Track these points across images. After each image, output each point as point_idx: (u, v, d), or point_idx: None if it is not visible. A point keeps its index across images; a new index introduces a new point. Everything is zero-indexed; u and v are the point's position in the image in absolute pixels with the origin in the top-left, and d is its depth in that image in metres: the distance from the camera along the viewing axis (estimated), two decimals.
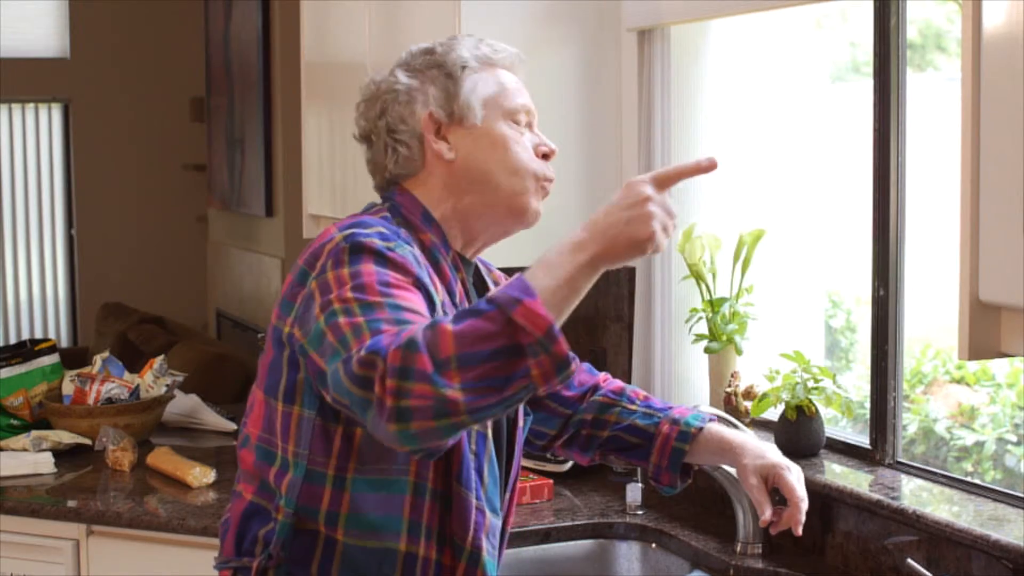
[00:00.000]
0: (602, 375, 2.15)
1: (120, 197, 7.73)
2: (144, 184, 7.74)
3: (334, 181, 3.73)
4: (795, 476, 1.96)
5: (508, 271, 2.01)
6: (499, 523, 1.96)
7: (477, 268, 2.01)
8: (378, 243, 1.73)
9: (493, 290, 1.68)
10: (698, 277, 2.89)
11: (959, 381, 3.08)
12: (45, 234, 7.86)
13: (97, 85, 7.64)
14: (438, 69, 1.92)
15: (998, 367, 2.91)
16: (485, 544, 1.89)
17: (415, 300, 1.68)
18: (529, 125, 1.94)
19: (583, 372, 2.15)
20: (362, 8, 3.45)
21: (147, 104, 7.67)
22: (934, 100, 2.87)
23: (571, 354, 1.54)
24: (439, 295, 1.80)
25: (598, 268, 1.60)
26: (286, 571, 1.83)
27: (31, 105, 7.76)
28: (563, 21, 2.99)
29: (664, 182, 1.63)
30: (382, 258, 1.72)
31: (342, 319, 1.64)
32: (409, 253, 1.76)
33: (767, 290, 2.94)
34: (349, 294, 1.66)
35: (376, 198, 2.00)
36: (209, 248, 7.54)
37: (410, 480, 1.82)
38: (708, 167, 1.65)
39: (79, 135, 7.74)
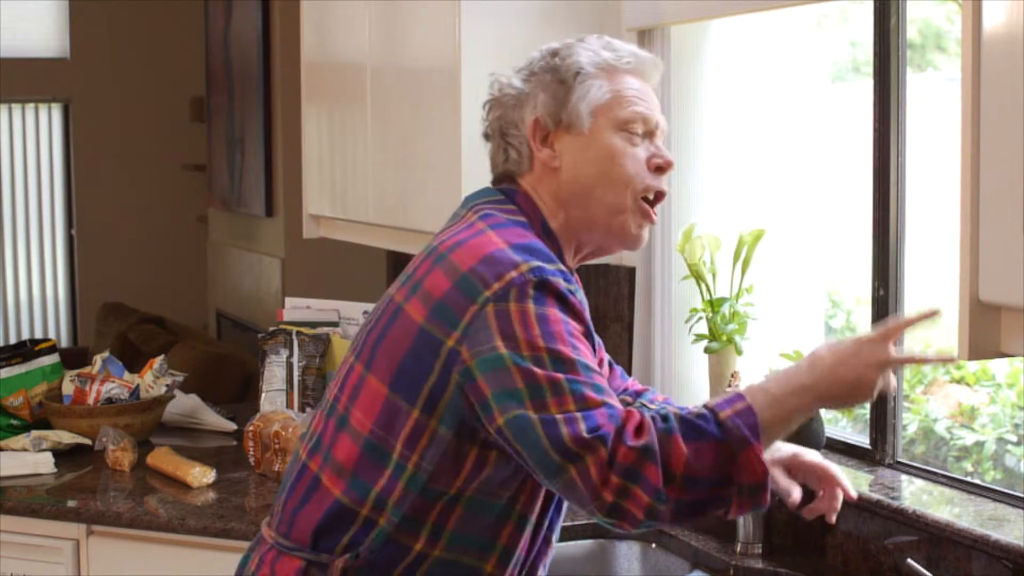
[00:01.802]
0: (631, 379, 2.17)
1: (120, 197, 7.73)
2: (144, 184, 7.73)
3: (334, 181, 3.73)
4: (816, 456, 1.95)
5: None
6: (552, 552, 1.97)
7: None
8: (563, 285, 1.71)
9: (719, 401, 1.67)
10: (698, 277, 2.89)
11: (959, 381, 3.08)
12: (45, 234, 7.86)
13: (97, 85, 7.64)
14: (552, 74, 1.86)
15: (998, 367, 2.91)
16: (541, 572, 1.92)
17: (591, 356, 1.71)
18: (649, 135, 1.86)
19: (617, 377, 2.16)
20: (362, 8, 3.45)
21: (147, 104, 7.67)
22: (934, 100, 2.87)
23: (768, 499, 1.66)
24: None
25: (812, 411, 1.73)
26: (367, 574, 1.78)
27: (31, 105, 7.76)
28: (563, 21, 2.99)
29: (894, 337, 1.70)
30: (565, 303, 1.71)
31: (536, 369, 1.64)
32: (584, 300, 1.77)
33: (767, 290, 2.94)
34: (540, 343, 1.65)
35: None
36: (209, 248, 7.53)
37: (517, 510, 1.81)
38: (933, 315, 1.72)
39: (79, 135, 7.74)
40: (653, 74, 1.91)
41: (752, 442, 1.62)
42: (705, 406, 1.66)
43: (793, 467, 1.93)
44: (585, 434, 1.60)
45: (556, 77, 1.85)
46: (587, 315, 1.75)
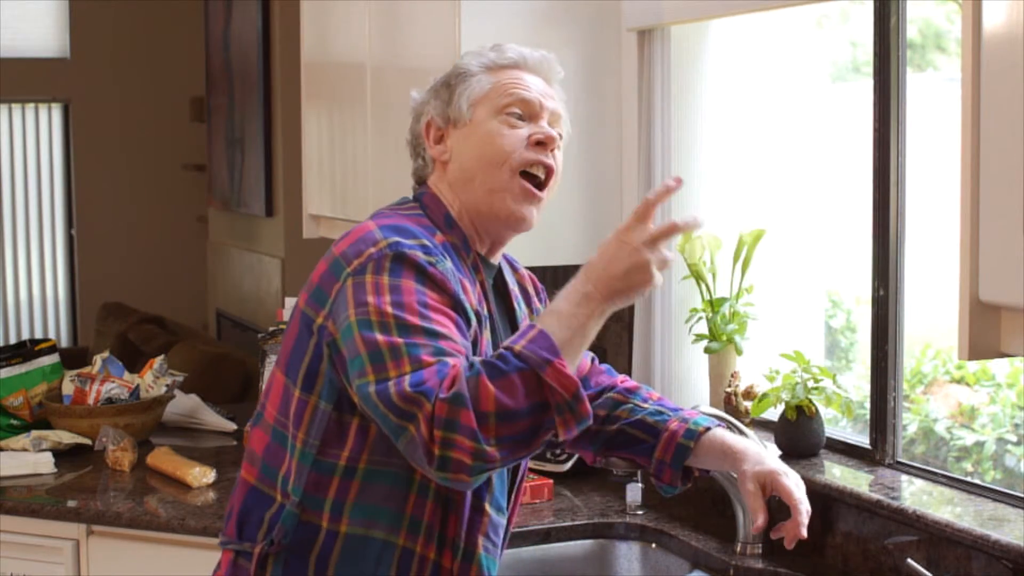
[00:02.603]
0: (620, 377, 2.18)
1: (120, 197, 7.73)
2: (144, 184, 7.74)
3: (334, 181, 3.73)
4: (793, 481, 1.96)
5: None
6: (503, 521, 1.98)
7: (500, 269, 2.03)
8: (421, 257, 1.79)
9: (514, 337, 1.71)
10: (698, 277, 2.89)
11: (959, 381, 3.08)
12: (45, 234, 7.86)
13: (97, 85, 7.64)
14: (443, 82, 1.99)
15: (998, 367, 2.91)
16: (482, 541, 1.92)
17: (449, 326, 1.76)
18: (532, 117, 1.93)
19: (602, 373, 2.19)
20: (362, 8, 3.46)
21: (147, 104, 7.67)
22: (934, 100, 2.87)
23: (588, 410, 1.69)
24: (472, 302, 1.85)
25: (605, 314, 1.74)
26: (284, 560, 1.86)
27: (31, 105, 7.76)
28: (563, 21, 2.99)
29: (646, 217, 1.78)
30: (423, 274, 1.78)
31: (379, 335, 1.71)
32: (449, 270, 1.81)
33: (767, 290, 2.94)
34: (388, 308, 1.73)
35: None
36: (209, 248, 7.53)
37: (415, 478, 1.84)
38: (693, 223, 1.81)
39: (79, 135, 7.75)
40: (545, 69, 1.99)
41: (552, 360, 1.66)
42: (503, 345, 1.71)
43: (768, 484, 1.96)
44: (408, 388, 1.65)
45: (444, 82, 1.98)
46: (451, 284, 1.79)
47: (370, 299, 1.74)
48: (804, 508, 1.95)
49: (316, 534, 1.85)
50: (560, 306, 1.73)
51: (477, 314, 1.85)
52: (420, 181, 2.02)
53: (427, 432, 1.64)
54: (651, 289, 1.76)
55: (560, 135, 1.96)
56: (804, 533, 1.94)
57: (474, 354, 1.83)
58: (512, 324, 2.01)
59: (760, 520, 1.93)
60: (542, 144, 1.92)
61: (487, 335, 1.89)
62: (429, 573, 1.87)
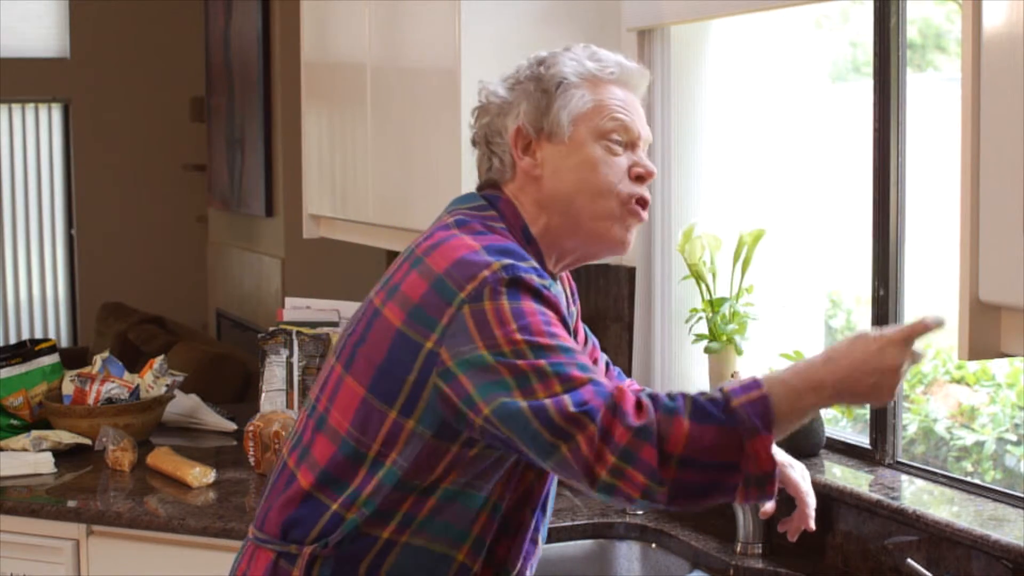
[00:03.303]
0: (628, 380, 2.17)
1: (120, 197, 7.73)
2: (144, 184, 7.74)
3: (334, 181, 3.73)
4: (799, 473, 1.96)
5: None
6: (541, 551, 1.98)
7: None
8: (536, 280, 1.73)
9: (735, 386, 1.63)
10: (698, 277, 2.89)
11: (959, 381, 3.08)
12: (45, 234, 7.86)
13: (97, 85, 7.64)
14: (536, 83, 1.88)
15: (998, 367, 2.91)
16: (528, 573, 1.93)
17: (575, 343, 1.71)
18: (630, 145, 1.88)
19: (615, 379, 2.18)
20: (362, 8, 3.46)
21: (147, 104, 7.67)
22: (934, 100, 2.87)
23: (775, 491, 1.63)
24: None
25: (825, 407, 1.70)
26: (333, 563, 1.81)
27: (31, 105, 7.76)
28: (563, 21, 2.99)
29: (913, 340, 1.66)
30: (539, 297, 1.72)
31: (518, 361, 1.65)
32: (560, 293, 1.77)
33: (767, 290, 2.94)
34: (517, 336, 1.67)
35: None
36: (209, 248, 7.53)
37: (491, 499, 1.82)
38: (941, 324, 1.69)
39: (79, 135, 7.75)
40: (639, 84, 1.92)
41: (762, 432, 1.59)
42: (720, 389, 1.64)
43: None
44: (572, 409, 1.60)
45: (539, 86, 1.87)
46: (563, 309, 1.76)
47: (496, 330, 1.67)
48: (810, 500, 1.94)
49: (373, 543, 1.80)
50: (794, 380, 1.64)
51: (573, 337, 1.82)
52: (491, 183, 1.92)
53: (590, 453, 1.59)
54: (883, 402, 1.70)
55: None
56: (812, 525, 1.93)
57: None
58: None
59: (768, 506, 1.92)
60: (641, 179, 1.88)
61: None
62: None
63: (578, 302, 2.11)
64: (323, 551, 1.80)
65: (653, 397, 1.63)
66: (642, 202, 1.88)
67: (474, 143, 1.95)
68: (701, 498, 1.61)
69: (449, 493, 1.78)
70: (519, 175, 1.88)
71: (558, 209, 1.86)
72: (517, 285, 1.70)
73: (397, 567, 1.80)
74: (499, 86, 1.91)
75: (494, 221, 1.85)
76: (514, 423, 1.64)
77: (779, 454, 1.98)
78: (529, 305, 1.69)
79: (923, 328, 1.66)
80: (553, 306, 1.73)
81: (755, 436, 1.59)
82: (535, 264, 1.76)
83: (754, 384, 1.63)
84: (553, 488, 1.95)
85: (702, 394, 1.63)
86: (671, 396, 1.62)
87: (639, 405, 1.60)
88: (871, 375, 1.64)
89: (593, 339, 2.17)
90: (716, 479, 1.60)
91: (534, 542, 1.92)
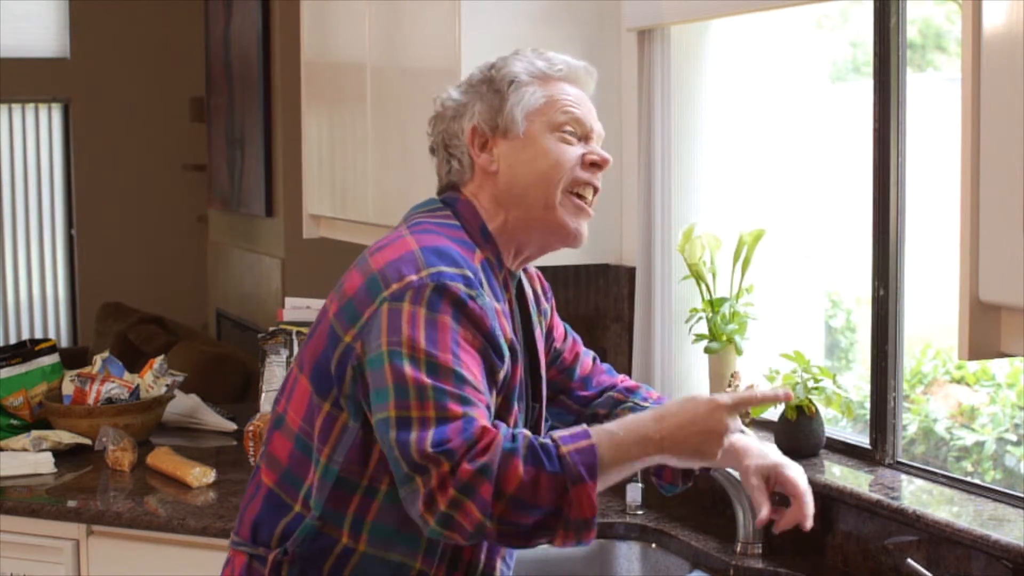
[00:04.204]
0: (620, 376, 2.19)
1: (120, 197, 7.73)
2: (144, 184, 7.74)
3: (334, 181, 3.73)
4: (796, 473, 1.97)
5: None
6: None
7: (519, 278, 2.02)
8: (462, 290, 1.76)
9: (565, 435, 1.72)
10: (698, 277, 2.89)
11: (959, 381, 3.08)
12: (45, 234, 7.86)
13: (97, 85, 7.64)
14: (488, 84, 1.93)
15: (998, 367, 2.91)
16: (500, 565, 1.95)
17: (476, 372, 1.75)
18: (584, 138, 1.93)
19: (603, 373, 2.19)
20: (362, 8, 3.46)
21: (147, 104, 7.67)
22: (934, 100, 2.87)
23: (592, 538, 1.71)
24: (507, 333, 1.83)
25: (653, 461, 1.77)
26: (299, 568, 1.85)
27: (31, 105, 7.76)
28: (563, 21, 2.99)
29: (743, 407, 1.80)
30: (461, 310, 1.75)
31: (408, 369, 1.70)
32: (488, 306, 1.79)
33: (767, 290, 2.94)
34: (421, 343, 1.71)
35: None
36: (209, 248, 7.54)
37: None
38: (784, 398, 1.87)
39: (79, 135, 7.75)
40: (587, 81, 1.98)
41: (586, 480, 1.67)
42: (551, 437, 1.71)
43: (772, 478, 1.96)
44: (430, 448, 1.65)
45: (491, 87, 1.93)
46: (488, 321, 1.78)
47: (405, 330, 1.72)
48: (807, 499, 1.94)
49: (333, 546, 1.84)
50: (621, 433, 1.73)
51: (511, 346, 1.84)
52: (451, 185, 1.97)
53: (436, 486, 1.64)
54: (707, 463, 1.80)
55: None
56: (809, 524, 1.94)
57: (510, 385, 1.84)
58: (527, 329, 1.99)
59: (764, 512, 1.93)
60: (595, 166, 1.93)
61: (520, 362, 1.89)
62: None
63: (552, 299, 2.14)
64: (284, 557, 1.85)
65: (494, 437, 1.68)
66: (594, 190, 1.93)
67: (433, 150, 2.01)
68: (526, 537, 1.69)
69: (390, 495, 1.81)
70: (477, 173, 1.93)
71: (515, 202, 1.91)
72: (441, 293, 1.74)
73: (357, 574, 1.85)
74: (452, 91, 1.97)
75: (448, 220, 1.90)
76: (384, 441, 1.71)
77: (776, 454, 1.98)
78: (445, 320, 1.74)
79: (752, 400, 1.81)
80: (475, 320, 1.76)
81: (579, 483, 1.67)
82: (468, 272, 1.79)
83: (583, 434, 1.71)
84: None
85: (536, 438, 1.70)
86: (513, 436, 1.69)
87: (488, 445, 1.66)
88: (696, 436, 1.76)
89: (573, 335, 2.20)
90: (540, 521, 1.67)
91: None
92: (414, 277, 1.75)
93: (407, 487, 1.67)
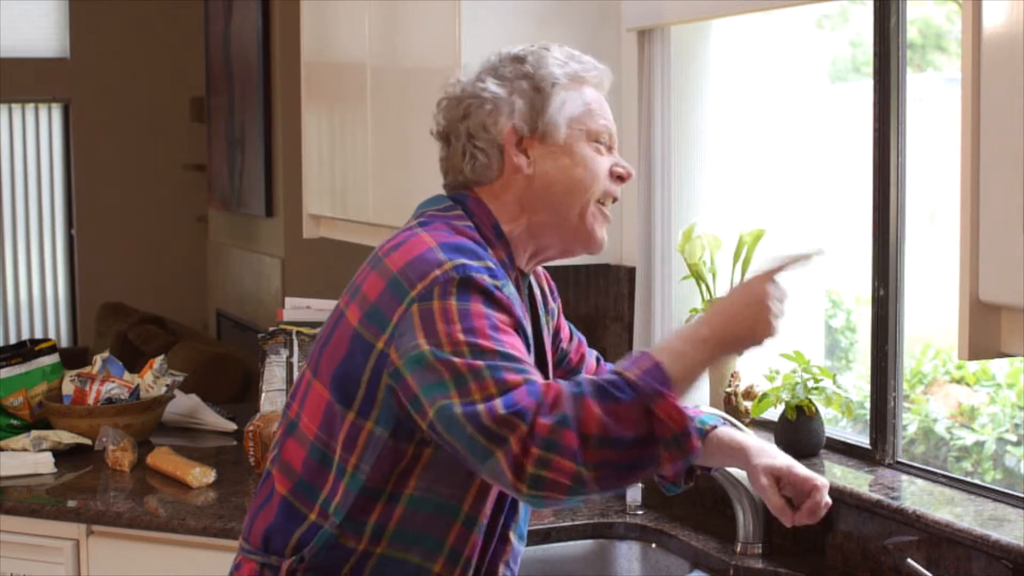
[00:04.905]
0: None
1: (120, 197, 7.73)
2: (144, 184, 7.74)
3: (334, 181, 3.73)
4: (807, 471, 1.96)
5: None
6: (522, 549, 1.99)
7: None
8: (487, 281, 1.74)
9: (625, 363, 1.68)
10: (698, 277, 2.89)
11: (959, 381, 3.08)
12: (45, 234, 7.86)
13: (97, 85, 7.64)
14: (528, 81, 1.89)
15: (998, 367, 2.91)
16: (503, 570, 1.93)
17: (521, 348, 1.73)
18: (611, 147, 1.93)
19: (604, 373, 2.17)
20: (362, 8, 3.46)
21: (147, 104, 7.67)
22: (934, 100, 2.87)
23: (697, 446, 1.66)
24: (526, 326, 1.82)
25: (719, 360, 1.77)
26: (314, 575, 1.83)
27: (31, 105, 7.76)
28: (563, 21, 2.99)
29: (778, 273, 1.77)
30: (490, 298, 1.73)
31: (455, 359, 1.67)
32: (513, 294, 1.78)
33: None
34: (460, 336, 1.68)
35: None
36: (209, 248, 7.54)
37: (463, 510, 1.83)
38: (817, 255, 1.81)
39: (79, 135, 7.75)
40: (608, 85, 1.98)
41: (665, 393, 1.64)
42: (613, 370, 1.68)
43: (783, 478, 1.95)
44: (502, 411, 1.62)
45: (533, 84, 1.89)
46: (516, 310, 1.77)
47: (440, 327, 1.68)
48: (822, 485, 1.93)
49: (349, 555, 1.82)
50: (675, 344, 1.71)
51: (528, 343, 1.83)
52: (462, 183, 1.92)
53: (520, 451, 1.60)
54: (769, 339, 1.75)
55: None
56: (827, 500, 1.93)
57: None
58: (536, 329, 1.98)
59: (787, 519, 1.93)
60: (620, 179, 1.93)
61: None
62: None
63: (558, 299, 2.13)
64: (300, 565, 1.82)
65: (560, 389, 1.65)
66: (613, 200, 1.93)
67: (445, 137, 1.94)
68: (628, 475, 1.64)
69: (415, 500, 1.80)
70: (507, 173, 1.89)
71: (545, 207, 1.88)
72: (468, 286, 1.72)
73: None
74: (489, 81, 1.90)
75: (459, 220, 1.87)
76: (452, 428, 1.66)
77: (784, 455, 1.98)
78: (477, 307, 1.71)
79: (790, 261, 1.77)
80: (504, 308, 1.74)
81: (659, 399, 1.63)
82: (490, 263, 1.77)
83: (643, 356, 1.69)
84: None
85: (600, 376, 1.67)
86: (575, 383, 1.66)
87: (556, 397, 1.63)
88: (744, 314, 1.73)
89: (579, 336, 2.20)
90: (636, 453, 1.63)
91: (504, 540, 1.92)
92: (438, 272, 1.72)
93: (489, 464, 1.62)
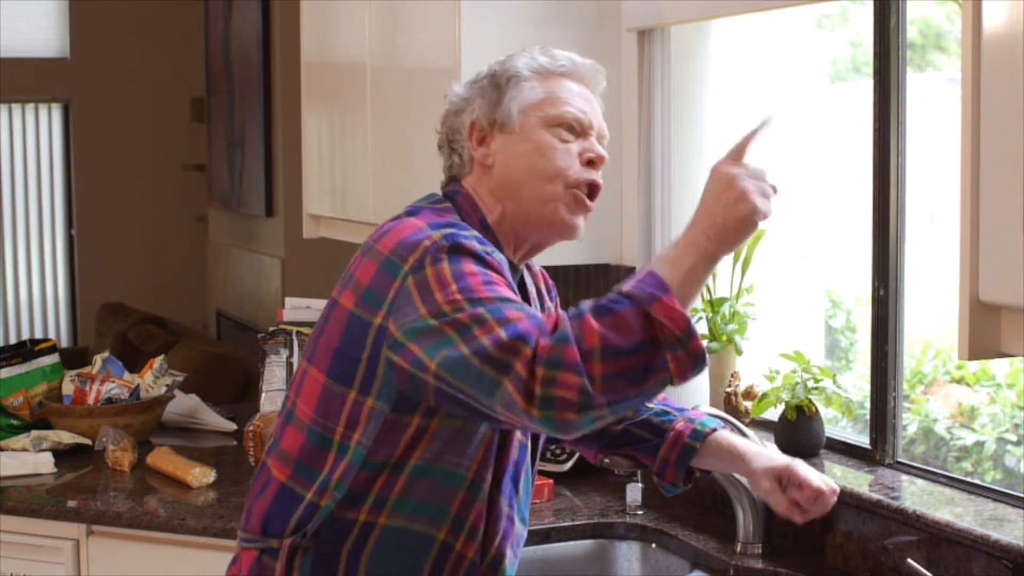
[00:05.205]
0: None
1: (120, 197, 7.73)
2: (144, 184, 7.74)
3: (334, 181, 3.73)
4: (809, 470, 1.96)
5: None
6: (524, 534, 1.99)
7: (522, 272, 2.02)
8: (477, 247, 1.76)
9: (623, 282, 1.68)
10: None
11: (959, 381, 3.08)
12: (45, 234, 7.86)
13: (97, 85, 7.64)
14: (489, 79, 1.94)
15: (998, 367, 2.91)
16: (508, 553, 1.93)
17: (517, 296, 1.74)
18: (582, 134, 1.92)
19: None
20: (362, 8, 3.46)
21: (147, 104, 7.67)
22: (934, 100, 2.87)
23: (701, 346, 1.62)
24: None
25: (717, 258, 1.69)
26: (314, 553, 1.83)
27: (31, 105, 7.76)
28: (563, 21, 2.99)
29: (740, 154, 1.75)
30: (481, 261, 1.75)
31: (458, 315, 1.68)
32: (503, 259, 1.80)
33: (767, 290, 2.94)
34: (458, 296, 1.69)
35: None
36: (209, 248, 7.54)
37: (468, 476, 1.84)
38: (767, 124, 1.78)
39: (79, 135, 7.75)
40: (594, 79, 1.98)
41: (660, 295, 1.62)
42: (613, 289, 1.68)
43: (785, 478, 1.96)
44: (505, 337, 1.63)
45: (492, 82, 1.94)
46: (507, 274, 1.78)
47: (438, 294, 1.70)
48: (825, 487, 1.94)
49: (351, 527, 1.82)
50: (668, 252, 1.69)
51: None
52: (452, 179, 1.98)
53: (527, 373, 1.60)
54: (759, 218, 1.69)
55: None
56: (834, 488, 1.94)
57: None
58: None
59: (796, 517, 1.94)
60: (592, 163, 1.92)
61: None
62: (465, 571, 1.87)
63: (556, 299, 2.13)
64: (302, 541, 1.83)
65: (558, 315, 1.65)
66: (593, 187, 1.92)
67: (440, 147, 2.02)
68: (637, 386, 1.61)
69: (418, 468, 1.81)
70: (475, 167, 1.94)
71: (510, 195, 1.91)
72: (458, 250, 1.74)
73: (378, 551, 1.83)
74: (458, 87, 1.98)
75: (448, 212, 1.90)
76: (460, 370, 1.66)
77: (785, 457, 1.99)
78: (469, 266, 1.73)
79: (747, 137, 1.77)
80: (495, 269, 1.76)
81: (656, 301, 1.61)
82: (478, 235, 1.80)
83: (641, 270, 1.68)
84: (526, 466, 1.96)
85: (597, 299, 1.67)
86: (575, 306, 1.66)
87: (556, 322, 1.63)
88: (720, 200, 1.70)
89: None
90: (642, 360, 1.61)
91: (511, 520, 1.92)
92: (428, 243, 1.75)
93: (499, 394, 1.62)
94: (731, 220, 1.69)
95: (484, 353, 1.63)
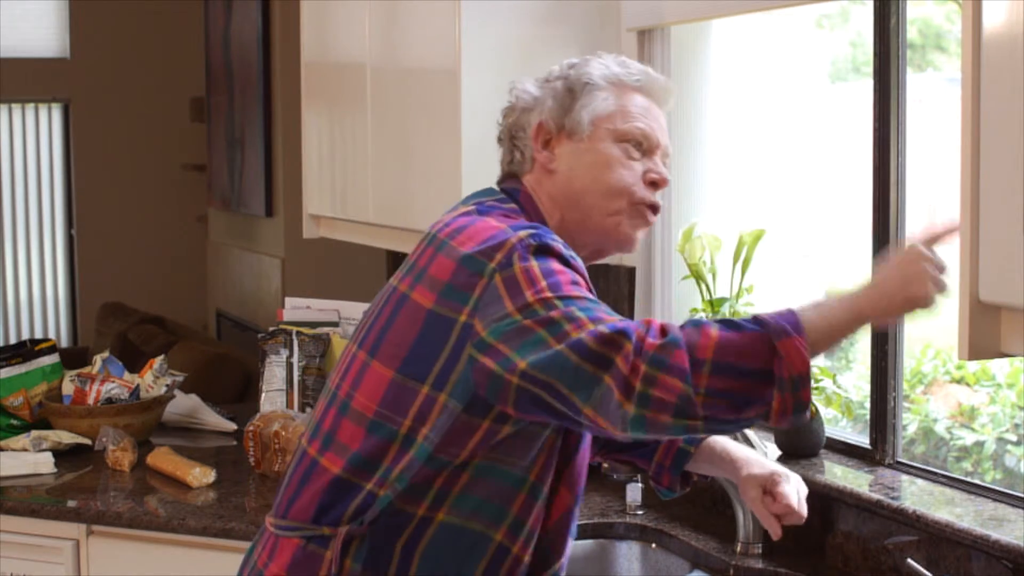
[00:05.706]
0: None
1: (120, 197, 7.73)
2: (144, 184, 7.74)
3: (334, 181, 3.73)
4: (793, 487, 1.96)
5: None
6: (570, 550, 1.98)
7: None
8: (564, 250, 1.76)
9: (762, 314, 1.65)
10: (698, 277, 2.89)
11: (959, 381, 3.08)
12: (45, 234, 7.86)
13: (97, 85, 7.64)
14: (563, 82, 1.92)
15: (998, 367, 2.91)
16: (565, 561, 1.93)
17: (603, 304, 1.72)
18: (648, 152, 1.91)
19: None
20: (362, 8, 3.45)
21: (147, 104, 7.67)
22: (934, 100, 2.87)
23: (810, 398, 1.59)
24: None
25: (866, 322, 1.66)
26: (368, 544, 1.79)
27: (31, 105, 7.76)
28: (563, 21, 2.99)
29: (935, 241, 1.69)
30: (567, 263, 1.74)
31: (550, 313, 1.66)
32: (582, 265, 1.79)
33: (767, 290, 2.94)
34: (547, 293, 1.68)
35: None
36: (209, 248, 7.54)
37: (530, 479, 1.81)
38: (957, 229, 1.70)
39: (79, 135, 7.75)
40: (664, 97, 1.96)
41: (791, 333, 1.58)
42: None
43: (767, 488, 1.96)
44: (606, 331, 1.61)
45: (566, 85, 1.92)
46: (589, 281, 1.77)
47: (527, 291, 1.68)
48: (799, 511, 1.95)
49: (408, 521, 1.79)
50: (819, 299, 1.66)
51: None
52: (510, 175, 1.96)
53: (628, 369, 1.58)
54: (925, 305, 1.65)
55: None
56: (803, 512, 1.94)
57: None
58: None
59: (774, 531, 1.94)
60: (655, 184, 1.91)
61: None
62: (519, 574, 1.85)
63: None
64: (358, 529, 1.78)
65: (664, 322, 1.64)
66: (653, 208, 1.92)
67: (500, 140, 1.99)
68: (736, 411, 1.59)
69: (482, 467, 1.78)
70: (536, 169, 1.92)
71: (570, 204, 1.90)
72: (545, 251, 1.73)
73: (433, 546, 1.79)
74: (529, 84, 1.95)
75: (515, 213, 1.87)
76: (554, 366, 1.64)
77: (772, 463, 1.99)
78: (557, 266, 1.72)
79: (941, 232, 1.69)
80: (581, 273, 1.75)
81: (786, 336, 1.58)
82: (562, 241, 1.79)
83: (783, 307, 1.64)
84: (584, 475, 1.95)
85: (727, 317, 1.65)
86: (693, 319, 1.65)
87: (663, 326, 1.62)
88: (896, 273, 1.65)
89: None
90: (750, 386, 1.58)
91: (572, 534, 1.92)
92: (515, 241, 1.73)
93: (597, 393, 1.60)
94: (901, 294, 1.65)
95: (583, 348, 1.61)
